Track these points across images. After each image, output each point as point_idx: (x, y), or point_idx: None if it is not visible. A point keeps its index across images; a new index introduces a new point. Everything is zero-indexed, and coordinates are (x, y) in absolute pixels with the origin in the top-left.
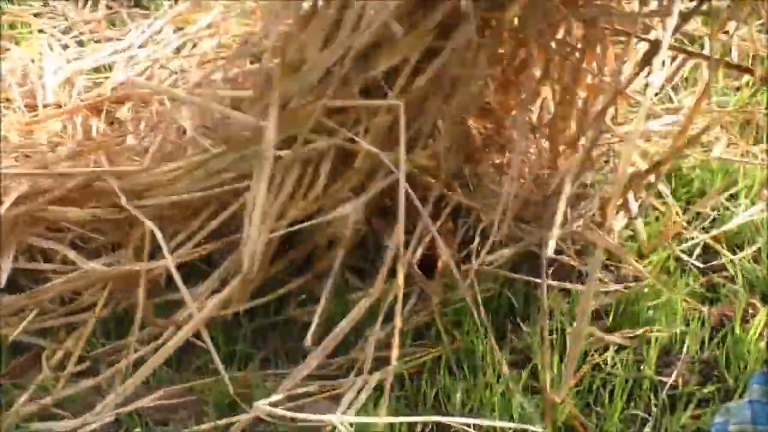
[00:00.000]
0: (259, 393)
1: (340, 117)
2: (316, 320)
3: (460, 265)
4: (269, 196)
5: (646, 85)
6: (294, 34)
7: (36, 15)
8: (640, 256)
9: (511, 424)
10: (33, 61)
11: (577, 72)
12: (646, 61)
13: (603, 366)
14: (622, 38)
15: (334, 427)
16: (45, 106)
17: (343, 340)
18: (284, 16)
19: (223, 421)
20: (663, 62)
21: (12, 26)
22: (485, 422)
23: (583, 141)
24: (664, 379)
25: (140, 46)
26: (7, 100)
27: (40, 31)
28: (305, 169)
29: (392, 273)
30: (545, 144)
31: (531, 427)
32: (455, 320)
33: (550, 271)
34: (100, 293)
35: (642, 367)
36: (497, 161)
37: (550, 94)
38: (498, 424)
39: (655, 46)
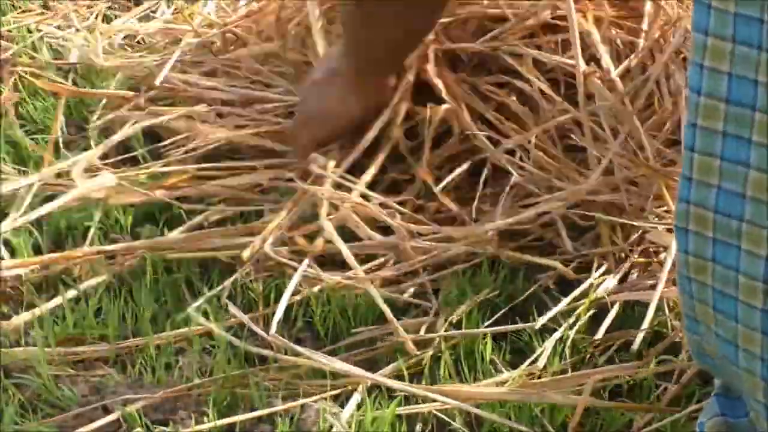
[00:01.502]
0: (260, 393)
1: None
2: None
3: None
4: None
5: None
6: None
7: (33, 14)
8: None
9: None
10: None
11: None
12: None
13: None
14: None
15: (332, 426)
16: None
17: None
18: None
19: (224, 421)
20: None
21: (11, 27)
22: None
23: None
24: (664, 379)
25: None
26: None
27: (38, 29)
28: None
29: None
30: None
31: (528, 430)
32: (457, 320)
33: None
34: None
35: (642, 367)
36: None
37: None
38: (498, 419)
39: None
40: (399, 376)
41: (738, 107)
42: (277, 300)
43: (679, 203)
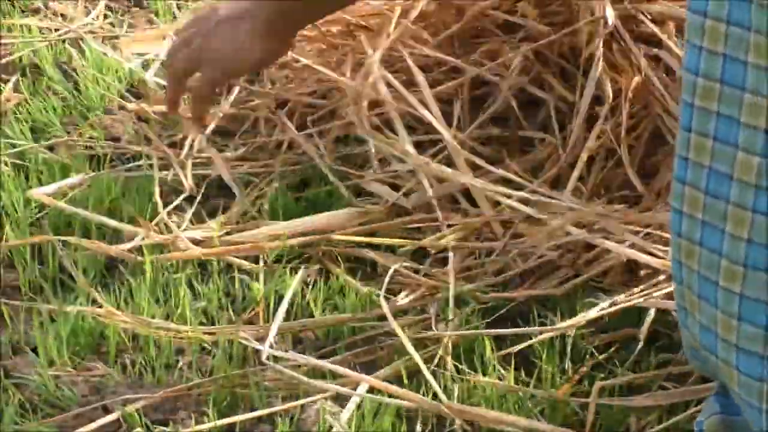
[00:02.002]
0: (260, 393)
1: None
2: None
3: None
4: None
5: None
6: None
7: (33, 14)
8: None
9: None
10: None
11: None
12: None
13: (604, 365)
14: None
15: (331, 426)
16: None
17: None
18: None
19: (224, 421)
20: None
21: (11, 27)
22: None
23: None
24: (664, 379)
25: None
26: None
27: (41, 32)
28: None
29: None
30: None
31: None
32: (457, 320)
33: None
34: None
35: (642, 367)
36: None
37: None
38: (498, 415)
39: None
40: (399, 377)
41: (731, 88)
42: (276, 300)
43: (675, 182)
